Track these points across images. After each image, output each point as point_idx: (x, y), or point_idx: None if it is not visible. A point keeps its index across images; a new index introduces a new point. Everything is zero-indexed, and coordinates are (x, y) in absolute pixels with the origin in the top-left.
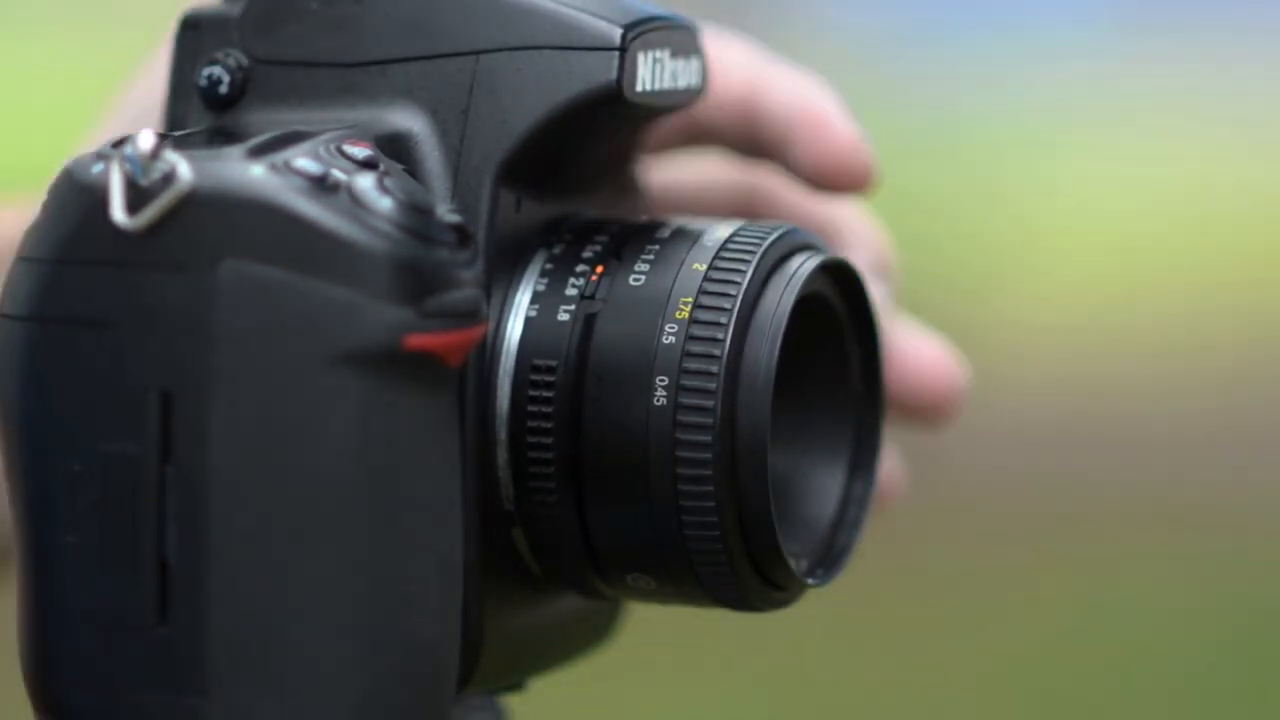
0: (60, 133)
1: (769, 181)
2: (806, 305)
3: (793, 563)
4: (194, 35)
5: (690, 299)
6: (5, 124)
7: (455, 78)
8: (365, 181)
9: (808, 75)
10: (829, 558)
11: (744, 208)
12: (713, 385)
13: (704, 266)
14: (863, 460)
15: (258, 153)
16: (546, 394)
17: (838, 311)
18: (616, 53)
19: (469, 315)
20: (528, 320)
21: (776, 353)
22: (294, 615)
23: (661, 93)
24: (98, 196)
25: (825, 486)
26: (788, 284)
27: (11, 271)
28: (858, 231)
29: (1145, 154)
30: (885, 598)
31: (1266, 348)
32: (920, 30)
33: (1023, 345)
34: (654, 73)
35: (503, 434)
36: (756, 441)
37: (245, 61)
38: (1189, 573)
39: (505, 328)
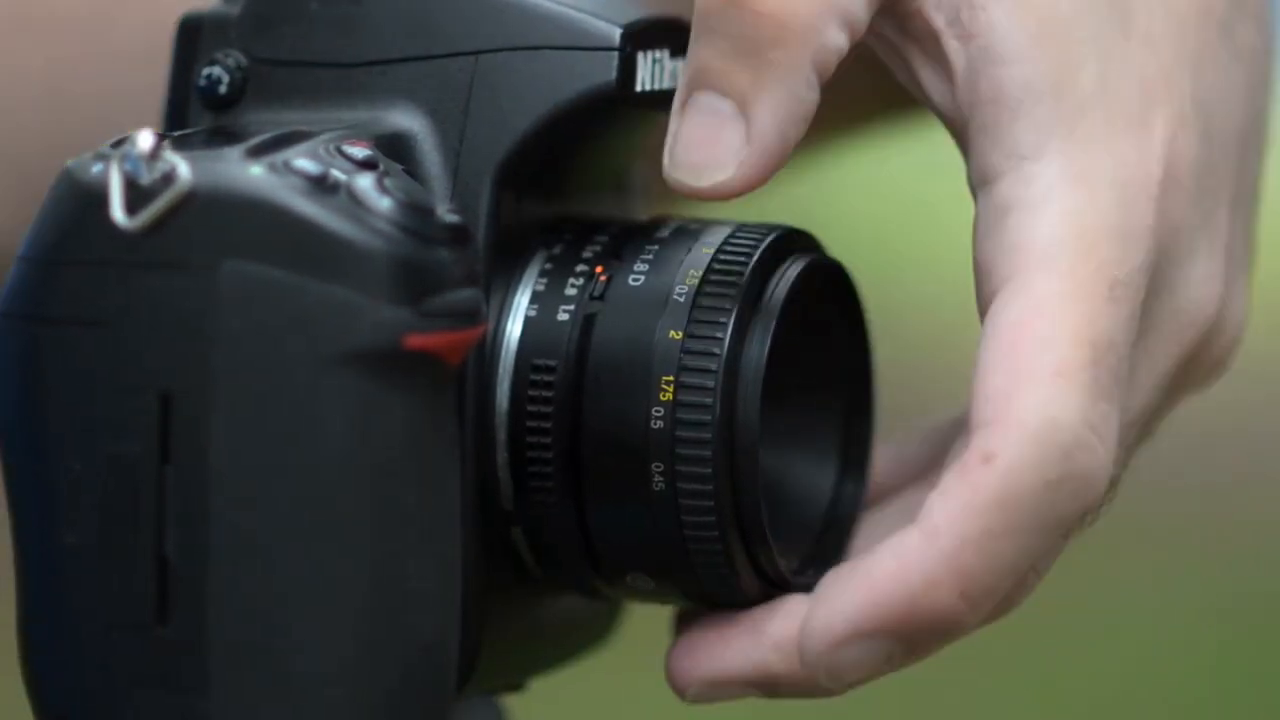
0: None
1: None
2: (798, 306)
3: (783, 562)
4: (193, 35)
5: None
6: None
7: (455, 78)
8: (364, 181)
9: None
10: (820, 557)
11: None
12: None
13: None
14: (853, 461)
15: (257, 153)
16: (546, 394)
17: (829, 312)
18: (616, 53)
19: (468, 315)
20: (527, 320)
21: (765, 354)
22: (294, 615)
23: (662, 93)
24: (97, 196)
25: (817, 486)
26: (779, 284)
27: (11, 271)
28: None
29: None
30: None
31: (1267, 347)
32: None
33: None
34: (654, 73)
35: (502, 434)
36: (749, 441)
37: (244, 61)
38: (1189, 573)
39: (505, 328)
